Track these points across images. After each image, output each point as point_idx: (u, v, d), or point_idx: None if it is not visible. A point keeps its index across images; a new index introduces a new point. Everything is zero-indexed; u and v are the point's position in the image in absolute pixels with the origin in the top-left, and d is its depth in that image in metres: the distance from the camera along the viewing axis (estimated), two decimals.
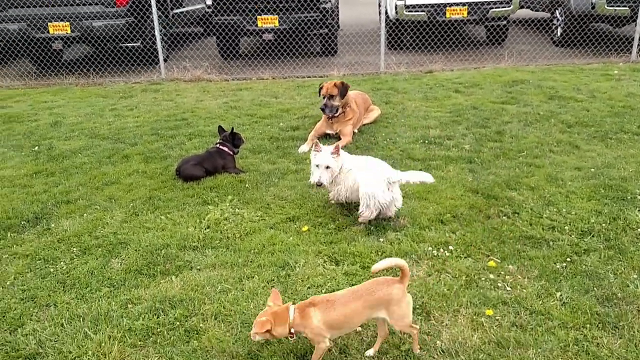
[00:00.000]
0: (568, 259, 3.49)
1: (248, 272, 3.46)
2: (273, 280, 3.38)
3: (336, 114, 5.99)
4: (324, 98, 6.02)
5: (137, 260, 3.64)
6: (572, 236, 3.77)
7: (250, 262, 3.59)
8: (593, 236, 3.76)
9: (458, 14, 10.34)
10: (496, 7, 10.34)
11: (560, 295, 3.13)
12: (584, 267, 3.40)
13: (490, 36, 11.45)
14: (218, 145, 5.15)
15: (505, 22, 10.91)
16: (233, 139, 5.18)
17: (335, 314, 2.57)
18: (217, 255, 3.67)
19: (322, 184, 4.12)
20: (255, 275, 3.43)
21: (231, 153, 5.15)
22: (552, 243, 3.69)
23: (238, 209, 4.35)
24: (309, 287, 3.31)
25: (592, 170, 4.83)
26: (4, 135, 6.64)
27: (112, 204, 4.53)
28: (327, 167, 4.09)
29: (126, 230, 4.07)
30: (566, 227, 3.86)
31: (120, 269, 3.57)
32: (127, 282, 3.42)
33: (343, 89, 6.02)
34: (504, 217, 4.07)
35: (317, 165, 4.11)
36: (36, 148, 6.07)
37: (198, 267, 3.54)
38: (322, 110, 6.01)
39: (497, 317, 2.98)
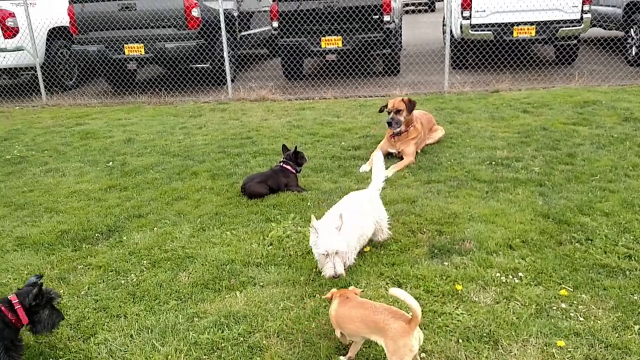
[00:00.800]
0: None
1: (310, 291, 3.47)
2: None
3: (401, 130, 5.95)
4: (389, 113, 6.00)
5: (203, 274, 3.73)
6: None
7: (312, 280, 3.60)
8: None
9: (526, 33, 10.10)
10: (566, 26, 10.03)
11: (639, 328, 2.95)
12: None
13: (559, 55, 11.10)
14: (281, 164, 5.23)
15: (575, 42, 10.55)
16: (296, 158, 5.26)
17: (341, 311, 2.79)
18: (279, 272, 3.71)
19: (340, 274, 3.33)
20: (317, 294, 3.43)
21: (294, 171, 5.22)
22: (628, 273, 3.49)
23: (300, 227, 4.39)
24: None
25: None
26: (82, 150, 7.03)
27: (181, 219, 4.69)
28: (337, 253, 3.32)
29: (194, 244, 4.20)
30: None
31: (188, 282, 3.67)
32: (194, 295, 3.51)
33: (410, 105, 6.00)
34: (576, 244, 3.89)
35: (324, 254, 3.32)
36: (110, 163, 6.38)
37: (261, 284, 3.59)
38: (389, 124, 5.97)
39: (569, 349, 2.84)
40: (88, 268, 3.98)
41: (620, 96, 8.14)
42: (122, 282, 3.74)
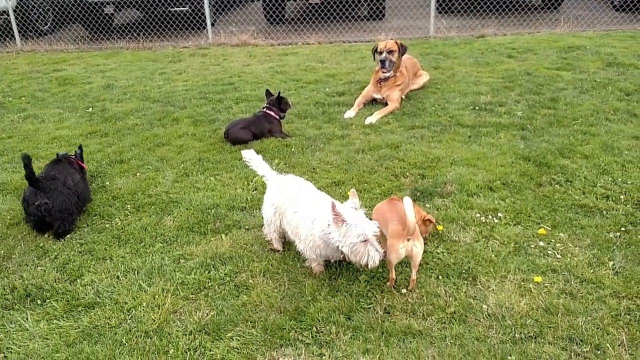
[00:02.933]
0: (622, 229, 3.38)
1: None
2: None
3: (390, 74, 5.89)
4: (381, 53, 5.90)
5: (188, 218, 3.75)
6: (628, 206, 3.64)
7: None
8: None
9: None
10: None
11: (613, 264, 3.06)
12: (639, 237, 3.29)
13: (545, 0, 10.94)
14: (265, 110, 5.18)
15: None
16: (279, 104, 5.20)
17: (378, 204, 3.28)
18: None
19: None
20: None
21: (277, 117, 5.18)
22: (605, 212, 3.58)
23: (284, 172, 4.38)
24: None
25: None
26: (60, 97, 6.87)
27: (164, 165, 4.66)
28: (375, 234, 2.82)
29: (177, 189, 4.19)
30: (621, 197, 3.74)
31: (173, 226, 3.69)
32: (180, 238, 3.53)
33: (402, 49, 5.95)
34: (556, 185, 3.96)
35: (363, 241, 2.77)
36: (90, 109, 6.26)
37: (246, 227, 3.62)
38: (382, 63, 5.88)
39: (546, 284, 2.94)
40: None
41: (605, 41, 8.11)
42: (107, 226, 3.75)
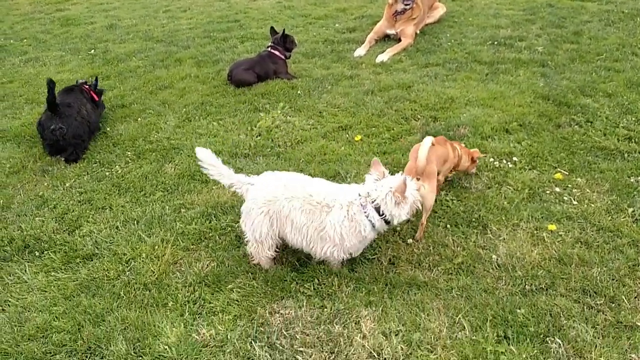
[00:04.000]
0: None
1: None
2: None
3: (405, 7, 5.54)
4: None
5: (189, 165, 3.63)
6: None
7: (301, 171, 3.48)
8: None
9: None
10: None
11: (633, 211, 2.89)
12: None
13: None
14: (269, 49, 4.94)
15: None
16: (284, 42, 4.94)
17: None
18: (268, 163, 3.60)
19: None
20: None
21: (283, 57, 4.94)
22: (627, 155, 3.37)
23: (289, 116, 4.23)
24: None
25: None
26: (62, 38, 6.67)
27: (166, 109, 4.51)
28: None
29: (179, 135, 4.06)
30: None
31: (174, 173, 3.58)
32: (180, 187, 3.43)
33: None
34: (575, 126, 3.74)
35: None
36: (92, 51, 6.07)
37: (250, 175, 3.49)
38: None
39: (560, 233, 2.80)
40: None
41: None
42: (107, 174, 3.65)
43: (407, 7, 5.53)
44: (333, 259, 2.58)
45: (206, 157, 2.64)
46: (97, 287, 2.67)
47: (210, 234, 2.98)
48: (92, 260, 2.86)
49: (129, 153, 3.87)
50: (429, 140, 2.73)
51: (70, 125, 3.76)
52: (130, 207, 3.27)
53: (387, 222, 2.49)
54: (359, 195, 2.49)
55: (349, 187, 2.58)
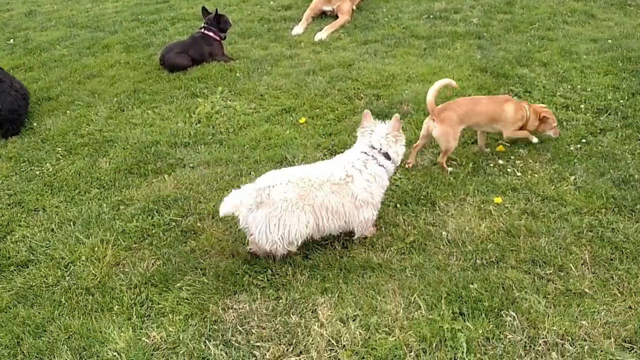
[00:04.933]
0: (583, 140, 3.28)
1: (244, 169, 3.27)
2: None
3: None
4: None
5: (125, 158, 3.44)
6: (587, 115, 3.53)
7: (246, 158, 3.39)
8: (610, 114, 3.52)
9: None
10: None
11: (574, 179, 2.96)
12: (599, 148, 3.20)
13: None
14: (203, 31, 4.74)
15: None
16: (218, 23, 4.75)
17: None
18: (210, 151, 3.47)
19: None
20: (252, 171, 3.24)
21: (218, 38, 4.75)
22: (565, 123, 3.46)
23: (230, 101, 4.08)
24: None
25: (610, 41, 4.47)
26: None
27: (96, 99, 4.26)
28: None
29: (112, 127, 3.84)
30: (581, 106, 3.61)
31: (109, 168, 3.39)
32: (117, 182, 3.25)
33: None
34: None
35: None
36: (11, 41, 5.65)
37: (191, 165, 3.36)
38: None
39: (506, 205, 2.84)
40: None
41: None
42: (37, 172, 3.41)
43: None
44: (371, 222, 2.64)
45: (231, 206, 2.44)
46: (35, 296, 2.49)
47: (154, 231, 2.84)
48: (27, 267, 2.67)
49: (60, 149, 3.63)
50: (441, 81, 3.05)
51: (5, 101, 3.69)
52: (65, 207, 3.07)
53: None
54: (365, 151, 2.60)
55: (350, 152, 2.67)
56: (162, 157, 3.44)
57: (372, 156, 2.59)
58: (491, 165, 3.16)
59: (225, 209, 2.41)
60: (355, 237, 2.65)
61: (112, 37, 5.47)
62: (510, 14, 5.19)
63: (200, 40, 4.71)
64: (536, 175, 3.02)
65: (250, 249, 2.60)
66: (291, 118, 3.84)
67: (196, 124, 3.81)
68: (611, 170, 3.01)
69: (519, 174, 3.06)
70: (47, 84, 4.58)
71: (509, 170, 3.10)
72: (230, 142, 3.57)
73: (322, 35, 5.17)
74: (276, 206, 2.39)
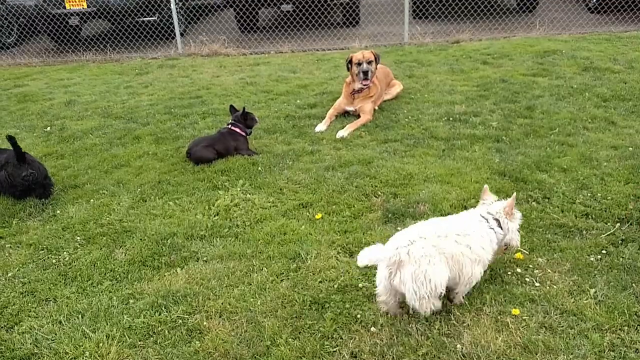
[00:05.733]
0: (603, 251, 3.19)
1: (257, 265, 3.26)
2: (282, 273, 3.17)
3: (363, 86, 5.66)
4: (359, 64, 5.64)
5: (141, 250, 3.47)
6: (608, 224, 3.46)
7: (260, 253, 3.39)
8: (631, 224, 3.44)
9: None
10: None
11: (595, 292, 2.85)
12: (621, 259, 3.11)
13: (520, 3, 10.86)
14: (230, 126, 4.93)
15: None
16: (245, 119, 4.95)
17: None
18: (225, 245, 3.48)
19: None
20: (264, 267, 3.23)
21: (243, 134, 4.93)
22: (585, 232, 3.39)
23: (249, 194, 4.15)
24: (320, 282, 3.09)
25: (630, 149, 4.46)
26: (18, 115, 6.54)
27: (120, 189, 4.38)
28: None
29: (132, 217, 3.91)
30: (602, 214, 3.55)
31: (124, 259, 3.41)
32: (130, 274, 3.26)
33: (377, 58, 5.76)
34: (533, 203, 3.77)
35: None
36: (48, 128, 5.94)
37: (205, 259, 3.36)
38: (364, 74, 5.62)
39: (524, 317, 2.73)
40: (18, 246, 3.67)
41: (581, 45, 8.00)
42: (54, 261, 3.45)
43: (365, 87, 5.65)
44: (475, 281, 2.78)
45: (368, 259, 2.59)
46: None
47: (160, 328, 2.79)
48: None
49: (79, 238, 3.69)
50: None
51: (40, 168, 4.26)
52: (76, 298, 3.07)
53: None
54: (483, 214, 2.88)
55: (467, 212, 2.97)
56: (178, 249, 3.46)
57: (487, 220, 2.85)
58: (509, 273, 3.08)
59: (363, 260, 2.58)
60: (457, 299, 2.80)
61: (143, 128, 5.71)
62: (530, 119, 5.27)
63: (227, 135, 4.88)
64: (555, 287, 2.92)
65: (381, 308, 2.79)
66: (308, 213, 3.86)
67: (214, 216, 3.85)
68: (634, 284, 2.89)
69: (537, 284, 2.97)
70: (75, 171, 4.74)
71: (527, 279, 3.01)
72: (246, 236, 3.58)
73: (343, 133, 5.31)
74: (419, 263, 2.53)
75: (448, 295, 2.82)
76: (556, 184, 3.98)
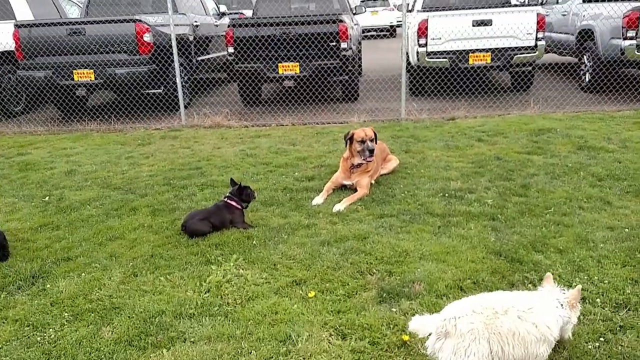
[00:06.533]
0: (601, 338, 3.11)
1: (246, 347, 3.17)
2: (271, 357, 3.08)
3: (361, 162, 5.75)
4: (363, 142, 5.75)
5: (128, 329, 3.39)
6: (605, 309, 3.39)
7: (249, 334, 3.30)
8: (629, 310, 3.38)
9: (482, 60, 10.15)
10: (521, 53, 10.14)
11: None
12: (619, 347, 3.03)
13: (515, 82, 11.20)
14: (226, 199, 4.95)
15: (530, 68, 10.66)
16: (240, 194, 4.97)
17: None
18: (214, 325, 3.40)
19: None
20: (253, 350, 3.14)
21: (239, 207, 4.94)
22: (582, 317, 3.31)
23: (242, 269, 4.11)
24: None
25: (627, 230, 4.46)
26: (18, 184, 6.59)
27: (113, 262, 4.34)
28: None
29: (122, 293, 3.85)
30: (598, 299, 3.49)
31: (111, 338, 3.32)
32: (116, 354, 3.17)
33: (376, 135, 5.87)
34: (529, 285, 3.71)
35: None
36: (47, 198, 5.97)
37: (192, 339, 3.28)
38: (371, 152, 5.75)
39: None
40: (3, 322, 3.59)
41: (575, 123, 8.17)
42: (39, 339, 3.37)
43: (367, 161, 5.74)
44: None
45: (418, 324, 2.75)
46: None
47: None
48: None
49: (66, 314, 3.62)
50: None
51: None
52: None
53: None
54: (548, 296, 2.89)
55: (532, 293, 3.02)
56: (165, 328, 3.38)
57: (561, 304, 2.86)
58: None
59: (413, 325, 2.73)
60: None
61: (141, 199, 5.74)
62: (525, 197, 5.30)
63: (223, 208, 4.90)
64: None
65: None
66: (301, 291, 3.81)
67: (205, 293, 3.79)
68: None
69: None
70: (69, 243, 4.72)
71: None
72: (236, 315, 3.51)
73: (340, 207, 5.32)
74: (464, 337, 2.56)
75: None
76: (552, 265, 3.95)
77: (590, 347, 3.04)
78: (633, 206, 4.98)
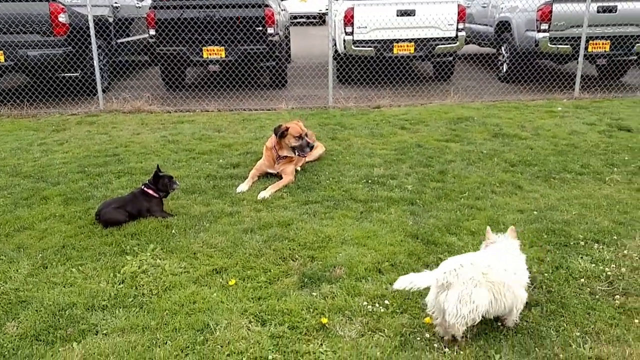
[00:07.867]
0: None
1: (161, 338, 3.09)
2: (188, 347, 3.02)
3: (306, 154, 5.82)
4: (301, 138, 5.73)
5: (35, 323, 3.22)
6: None
7: (165, 324, 3.22)
8: (535, 287, 3.58)
9: (405, 50, 10.37)
10: (442, 44, 10.44)
11: (500, 357, 2.91)
12: (525, 323, 3.20)
13: (437, 72, 11.54)
14: (143, 187, 4.78)
15: (451, 58, 11.01)
16: (156, 183, 4.78)
17: None
18: (127, 316, 3.29)
19: None
20: (169, 341, 3.06)
21: (157, 195, 4.78)
22: None
23: (160, 259, 3.99)
24: (228, 355, 2.97)
25: (535, 213, 4.71)
26: None
27: (20, 254, 4.09)
28: None
29: (30, 286, 3.64)
30: None
31: (16, 334, 3.14)
32: (20, 350, 2.99)
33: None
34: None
35: None
36: None
37: (105, 332, 3.15)
38: (311, 147, 5.81)
39: None
40: None
41: (491, 112, 8.54)
42: None
43: (303, 157, 5.80)
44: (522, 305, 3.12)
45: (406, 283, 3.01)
46: None
47: None
48: None
49: None
50: None
51: None
52: None
53: None
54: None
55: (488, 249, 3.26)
56: (76, 321, 3.23)
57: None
58: (418, 339, 3.08)
59: (400, 284, 3.01)
60: (509, 321, 3.13)
61: (53, 188, 5.44)
62: (442, 182, 5.48)
63: (140, 196, 4.73)
64: (462, 353, 2.95)
65: (437, 332, 3.05)
66: (221, 279, 3.75)
67: (119, 284, 3.66)
68: (537, 349, 2.97)
69: (445, 349, 2.98)
70: None
71: (435, 345, 3.02)
72: (152, 306, 3.41)
73: (265, 194, 5.29)
74: (467, 285, 2.83)
75: (502, 321, 3.14)
76: (464, 246, 4.11)
77: (498, 323, 3.20)
78: (542, 190, 5.27)
